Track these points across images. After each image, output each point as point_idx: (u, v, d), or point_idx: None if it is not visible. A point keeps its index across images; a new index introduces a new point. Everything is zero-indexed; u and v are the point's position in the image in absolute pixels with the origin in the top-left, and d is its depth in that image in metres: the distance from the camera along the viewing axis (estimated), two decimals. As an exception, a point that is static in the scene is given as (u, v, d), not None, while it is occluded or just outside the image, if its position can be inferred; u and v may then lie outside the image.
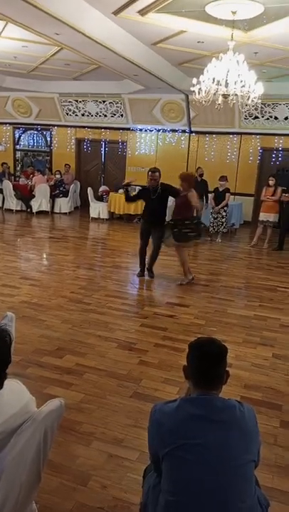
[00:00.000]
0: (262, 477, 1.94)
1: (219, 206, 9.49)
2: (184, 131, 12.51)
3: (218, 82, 5.70)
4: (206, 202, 10.13)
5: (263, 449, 2.61)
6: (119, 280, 6.36)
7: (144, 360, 3.83)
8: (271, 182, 8.93)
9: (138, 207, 11.55)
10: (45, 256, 7.94)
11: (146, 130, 12.94)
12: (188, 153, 12.62)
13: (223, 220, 9.65)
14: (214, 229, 9.73)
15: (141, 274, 6.55)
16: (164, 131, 12.72)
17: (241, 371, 3.69)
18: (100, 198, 12.02)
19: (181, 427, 1.58)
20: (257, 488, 1.67)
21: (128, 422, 2.91)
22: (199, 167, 10.63)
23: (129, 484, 2.38)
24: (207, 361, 1.66)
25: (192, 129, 12.32)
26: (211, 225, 9.76)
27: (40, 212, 11.89)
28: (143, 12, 5.82)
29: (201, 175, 10.30)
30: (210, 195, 9.98)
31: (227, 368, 1.71)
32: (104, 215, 11.75)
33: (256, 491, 1.62)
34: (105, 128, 13.31)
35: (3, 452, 1.60)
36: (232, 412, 1.61)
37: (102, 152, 13.72)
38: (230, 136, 12.03)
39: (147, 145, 13.06)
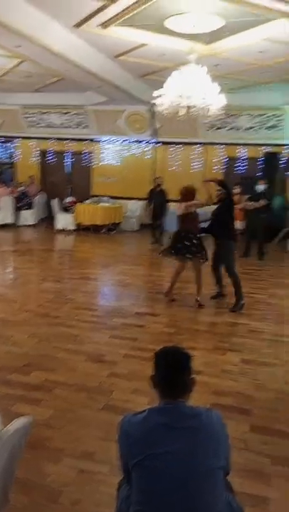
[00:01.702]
0: (232, 482, 1.95)
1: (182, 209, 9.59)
2: (148, 142, 12.65)
3: (181, 94, 5.81)
4: (166, 211, 10.23)
5: (233, 455, 2.64)
6: (88, 292, 6.31)
7: (114, 371, 3.80)
8: (236, 190, 9.14)
9: (106, 217, 11.57)
10: (9, 270, 7.79)
11: (111, 141, 13.01)
12: (154, 163, 12.76)
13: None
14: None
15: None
16: (129, 141, 12.83)
17: (211, 378, 3.72)
18: (66, 210, 11.94)
19: (149, 436, 1.58)
20: (229, 495, 1.68)
21: (99, 435, 2.87)
22: (158, 177, 10.75)
23: (102, 498, 2.34)
24: (171, 370, 1.68)
25: (157, 139, 12.48)
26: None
27: (3, 226, 11.64)
28: (104, 25, 5.88)
29: (159, 185, 10.39)
30: (175, 204, 10.09)
31: (193, 375, 1.72)
32: (71, 227, 11.65)
33: (227, 497, 1.63)
34: (70, 139, 13.28)
35: None
36: (199, 418, 1.62)
37: (68, 163, 13.67)
38: (195, 146, 12.26)
39: (113, 156, 13.12)
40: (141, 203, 12.10)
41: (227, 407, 3.26)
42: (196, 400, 2.01)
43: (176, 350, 1.76)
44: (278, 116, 11.03)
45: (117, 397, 3.37)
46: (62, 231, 11.48)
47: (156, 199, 10.21)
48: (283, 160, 11.07)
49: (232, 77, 8.55)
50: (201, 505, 1.49)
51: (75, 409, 3.18)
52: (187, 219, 5.72)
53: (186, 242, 5.63)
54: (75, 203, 12.09)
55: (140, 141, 12.72)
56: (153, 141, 12.54)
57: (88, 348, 4.29)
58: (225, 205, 5.73)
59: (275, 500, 2.38)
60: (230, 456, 1.72)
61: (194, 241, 5.65)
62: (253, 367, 4.02)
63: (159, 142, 12.53)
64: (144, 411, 1.69)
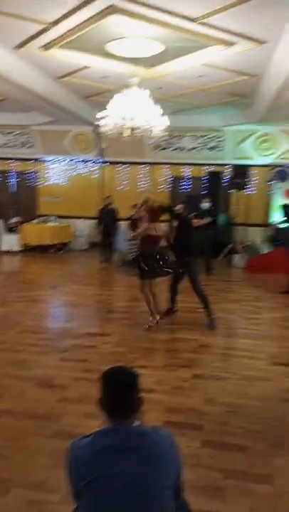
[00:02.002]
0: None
1: (133, 234, 9.69)
2: (95, 162, 12.72)
3: (124, 116, 5.91)
4: (116, 230, 10.30)
5: (186, 471, 2.64)
6: (36, 314, 6.14)
7: (64, 396, 3.70)
8: (179, 208, 9.33)
9: (54, 237, 11.41)
10: None
11: (57, 161, 12.94)
12: (101, 183, 12.81)
13: (140, 246, 9.86)
14: (132, 255, 9.87)
15: None
16: (76, 161, 12.83)
17: (163, 395, 3.72)
18: (12, 230, 11.64)
19: (96, 459, 1.55)
20: None
21: (49, 464, 2.76)
22: (108, 196, 10.82)
23: (53, 530, 2.24)
24: (118, 390, 1.66)
25: (104, 159, 12.58)
26: (129, 252, 9.92)
27: None
28: (46, 47, 5.91)
29: (110, 204, 10.45)
30: (125, 224, 10.17)
31: (140, 395, 1.71)
32: (17, 248, 11.36)
33: None
34: (15, 159, 13.06)
35: None
36: (146, 438, 1.60)
37: (12, 183, 13.40)
38: (141, 166, 12.48)
39: (59, 175, 13.04)
40: (90, 222, 12.07)
41: (179, 424, 3.26)
42: (149, 418, 2.00)
43: (121, 370, 1.75)
44: (219, 138, 11.54)
45: (67, 422, 3.28)
46: (8, 252, 11.15)
47: (107, 218, 10.24)
48: (226, 179, 11.53)
49: (174, 100, 8.84)
50: None
51: (23, 438, 3.05)
52: (150, 239, 5.65)
53: (152, 262, 5.53)
54: (21, 223, 11.83)
55: (87, 161, 12.76)
56: (99, 160, 12.62)
57: (37, 372, 4.15)
58: (185, 224, 5.75)
59: (228, 514, 2.40)
60: (182, 474, 1.70)
61: (158, 258, 5.56)
62: (203, 381, 4.07)
63: (105, 162, 12.63)
64: (91, 434, 1.66)
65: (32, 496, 2.49)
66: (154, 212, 5.68)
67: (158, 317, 5.67)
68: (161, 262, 5.53)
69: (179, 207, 5.80)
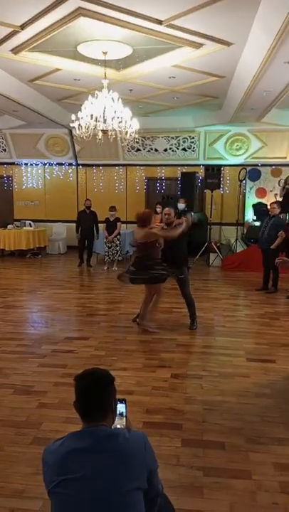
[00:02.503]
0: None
1: (112, 236, 9.72)
2: (70, 164, 12.66)
3: (96, 118, 5.92)
4: (97, 233, 10.27)
5: (166, 471, 2.68)
6: (13, 320, 6.07)
7: (43, 402, 3.67)
8: (158, 209, 9.39)
9: (30, 242, 11.29)
10: None
11: (32, 164, 12.82)
12: (77, 185, 12.77)
13: (118, 248, 9.90)
14: (109, 258, 9.90)
15: None
16: (51, 164, 12.75)
17: (142, 396, 3.74)
18: (-13, 236, 11.47)
19: (62, 462, 1.55)
20: None
21: (28, 471, 2.74)
22: (87, 199, 10.76)
23: (33, 538, 2.23)
24: (87, 393, 1.66)
25: (78, 161, 12.54)
26: (106, 254, 9.92)
27: None
28: (15, 51, 5.87)
29: (89, 207, 10.40)
30: (101, 226, 10.16)
31: (113, 397, 1.71)
32: (-6, 253, 11.22)
33: None
34: (-13, 163, 12.90)
35: None
36: (114, 440, 1.59)
37: (-14, 188, 13.22)
38: (116, 167, 12.49)
39: (34, 179, 12.94)
40: (67, 226, 12.00)
41: (159, 424, 3.29)
42: (130, 420, 2.01)
43: (93, 373, 1.73)
44: (192, 138, 11.66)
45: (47, 428, 3.26)
46: (-16, 258, 11.00)
47: (86, 221, 10.19)
48: (200, 179, 11.66)
49: (146, 102, 8.89)
50: None
51: (1, 447, 3.01)
52: (150, 245, 5.51)
53: (154, 268, 5.45)
54: (-4, 228, 11.66)
55: (62, 164, 12.69)
56: (75, 163, 12.57)
57: (14, 380, 4.11)
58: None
59: None
60: (156, 477, 1.68)
61: (158, 265, 5.48)
62: (182, 380, 4.10)
63: (80, 164, 12.58)
64: (63, 437, 1.66)
65: (13, 504, 2.47)
66: (147, 219, 5.51)
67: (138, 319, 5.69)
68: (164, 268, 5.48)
69: (167, 210, 5.68)
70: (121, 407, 1.88)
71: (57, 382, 4.07)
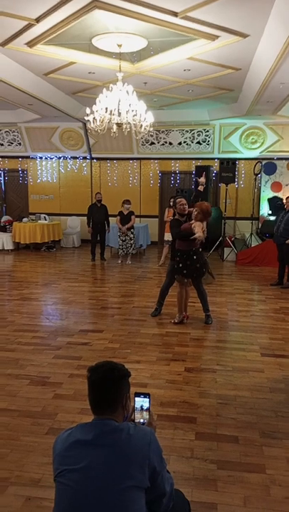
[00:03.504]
0: (183, 493, 1.99)
1: (125, 226, 9.70)
2: (85, 158, 12.68)
3: (111, 111, 5.91)
4: (108, 226, 10.28)
5: (180, 464, 2.70)
6: (29, 313, 6.14)
7: (58, 393, 3.72)
8: (171, 203, 9.38)
9: (44, 235, 11.38)
10: None
11: (46, 158, 12.88)
12: (91, 179, 12.80)
13: (132, 241, 9.91)
14: (124, 251, 9.92)
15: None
16: (65, 158, 12.79)
17: (156, 389, 3.76)
18: (3, 229, 11.61)
19: (66, 452, 1.57)
20: None
21: (44, 461, 2.79)
22: (98, 192, 10.75)
23: (50, 526, 2.27)
24: (96, 386, 1.66)
25: (93, 155, 12.55)
26: (120, 247, 9.95)
27: None
28: (31, 44, 5.88)
29: (100, 200, 10.37)
30: (115, 219, 10.17)
31: (126, 392, 1.71)
32: (9, 246, 11.35)
33: None
34: (3, 157, 12.99)
35: None
36: (117, 435, 1.57)
37: (2, 181, 13.33)
38: (130, 161, 12.47)
39: (49, 172, 12.99)
40: (81, 219, 12.06)
41: (173, 418, 3.31)
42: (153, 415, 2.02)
43: (103, 365, 1.72)
44: (207, 132, 11.56)
45: (62, 419, 3.31)
46: (1, 251, 11.13)
47: (97, 215, 10.19)
48: (215, 173, 11.57)
49: (161, 95, 8.84)
50: None
51: (18, 437, 3.07)
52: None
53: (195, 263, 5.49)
54: (11, 222, 11.78)
55: (76, 158, 12.72)
56: (89, 156, 12.58)
57: (31, 371, 4.17)
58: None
59: (223, 505, 2.44)
60: (161, 476, 1.61)
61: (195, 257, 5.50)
62: (196, 374, 4.11)
63: (94, 158, 12.60)
64: (73, 427, 1.68)
65: (29, 493, 2.52)
66: (208, 213, 5.37)
67: (184, 314, 5.72)
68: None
69: (183, 201, 5.66)
70: (144, 402, 1.85)
71: (72, 373, 4.12)
